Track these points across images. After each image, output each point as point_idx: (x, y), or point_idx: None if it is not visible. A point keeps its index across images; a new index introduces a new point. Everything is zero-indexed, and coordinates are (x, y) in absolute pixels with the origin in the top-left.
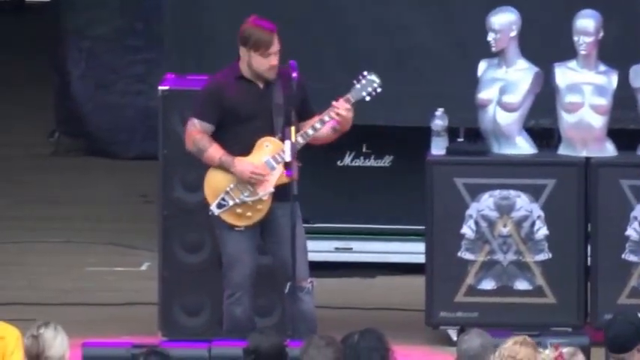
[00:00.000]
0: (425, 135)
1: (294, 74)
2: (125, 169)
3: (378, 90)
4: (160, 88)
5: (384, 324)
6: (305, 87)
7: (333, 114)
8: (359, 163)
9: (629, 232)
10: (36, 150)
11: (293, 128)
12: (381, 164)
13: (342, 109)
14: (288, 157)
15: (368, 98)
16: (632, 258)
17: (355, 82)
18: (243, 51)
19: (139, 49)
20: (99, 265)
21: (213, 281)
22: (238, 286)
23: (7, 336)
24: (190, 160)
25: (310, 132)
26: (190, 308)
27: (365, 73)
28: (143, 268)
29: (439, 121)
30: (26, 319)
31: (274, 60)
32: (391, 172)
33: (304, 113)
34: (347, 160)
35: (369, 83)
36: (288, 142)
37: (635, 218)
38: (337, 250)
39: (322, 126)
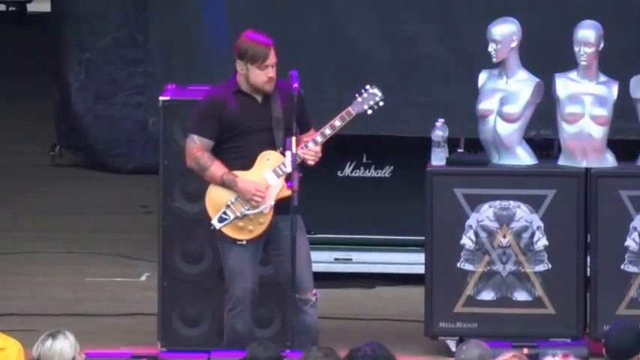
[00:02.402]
0: (425, 145)
1: (295, 85)
2: (125, 180)
3: (380, 104)
4: (161, 98)
5: (383, 334)
6: (303, 100)
7: (306, 159)
8: (359, 173)
9: (629, 242)
10: (37, 161)
11: (294, 139)
12: (381, 175)
13: (312, 155)
14: (289, 168)
15: (370, 112)
16: (631, 269)
17: (357, 95)
18: (240, 64)
19: (138, 61)
20: (99, 276)
21: (212, 292)
22: (240, 300)
23: (8, 347)
24: (191, 171)
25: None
26: (190, 319)
27: (367, 86)
28: (143, 278)
29: (439, 131)
30: (27, 329)
31: (271, 72)
32: (391, 182)
33: (301, 126)
34: (347, 170)
35: (371, 97)
36: (288, 153)
37: (635, 229)
38: (337, 260)
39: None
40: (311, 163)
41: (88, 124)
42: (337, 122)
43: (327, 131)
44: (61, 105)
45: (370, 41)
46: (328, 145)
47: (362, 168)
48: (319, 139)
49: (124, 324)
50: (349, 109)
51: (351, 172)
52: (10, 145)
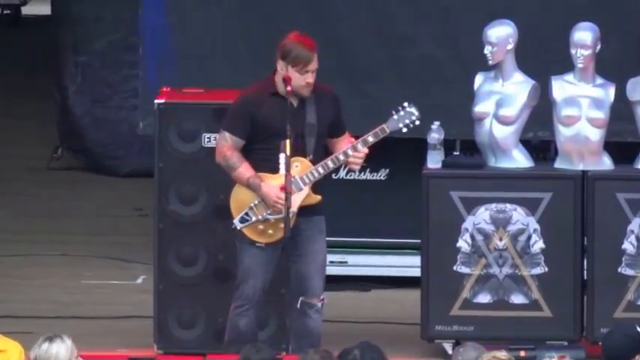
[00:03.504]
0: (421, 148)
1: (289, 88)
2: (121, 183)
3: (417, 122)
4: (156, 101)
5: (379, 337)
6: (339, 104)
7: (351, 163)
8: (355, 176)
9: (626, 245)
10: (34, 163)
11: (288, 142)
12: (377, 177)
13: (358, 158)
14: (282, 171)
15: (405, 130)
16: (628, 272)
17: (394, 112)
18: (280, 64)
19: (134, 64)
20: (95, 279)
21: (208, 294)
22: (248, 299)
23: (10, 349)
24: (186, 174)
25: (321, 171)
26: (185, 321)
27: (405, 104)
28: (139, 281)
29: (435, 134)
30: (22, 332)
31: (311, 78)
32: (387, 185)
33: (336, 130)
34: (342, 173)
35: (408, 115)
36: (282, 156)
37: (632, 232)
38: (332, 263)
39: (334, 165)
40: (356, 167)
41: (85, 127)
42: (370, 138)
43: (359, 146)
44: (61, 108)
45: (367, 42)
46: None
47: (357, 171)
48: (350, 152)
49: (120, 327)
50: (384, 126)
51: (347, 174)
52: (7, 147)
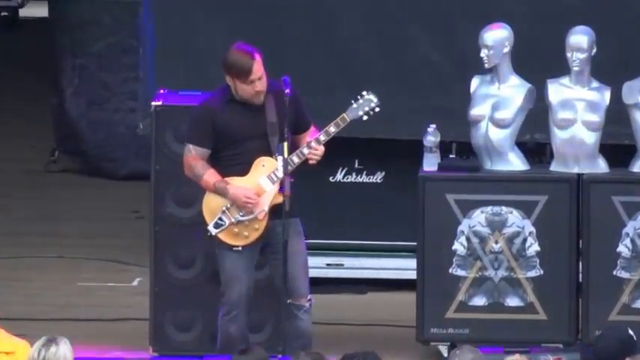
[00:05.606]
0: (417, 151)
1: (287, 90)
2: (117, 186)
3: (376, 109)
4: (153, 104)
5: (375, 340)
6: (298, 100)
7: (309, 158)
8: (351, 179)
9: (621, 248)
10: (31, 166)
11: (285, 144)
12: (373, 180)
13: (316, 155)
14: (280, 174)
15: (365, 117)
16: (623, 274)
17: (353, 101)
18: (228, 79)
19: (132, 67)
20: (91, 281)
21: (204, 297)
22: (235, 305)
23: (18, 351)
24: (182, 176)
25: (296, 160)
26: (181, 323)
27: (364, 92)
28: (135, 283)
29: (431, 137)
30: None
31: (258, 86)
32: (383, 188)
33: (300, 126)
34: (339, 176)
35: (367, 102)
36: (280, 159)
37: (627, 234)
38: (329, 266)
39: (300, 160)
40: (313, 162)
41: (81, 130)
42: (332, 128)
43: (322, 137)
44: (58, 110)
45: (365, 44)
46: None
47: (354, 173)
48: (314, 145)
49: (116, 329)
50: (344, 115)
51: (343, 177)
52: (4, 149)
